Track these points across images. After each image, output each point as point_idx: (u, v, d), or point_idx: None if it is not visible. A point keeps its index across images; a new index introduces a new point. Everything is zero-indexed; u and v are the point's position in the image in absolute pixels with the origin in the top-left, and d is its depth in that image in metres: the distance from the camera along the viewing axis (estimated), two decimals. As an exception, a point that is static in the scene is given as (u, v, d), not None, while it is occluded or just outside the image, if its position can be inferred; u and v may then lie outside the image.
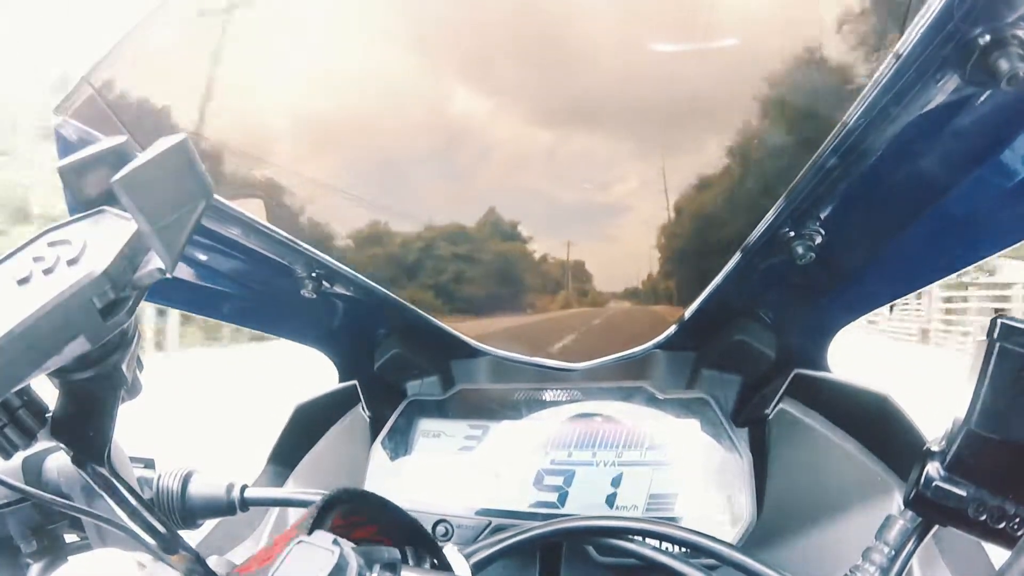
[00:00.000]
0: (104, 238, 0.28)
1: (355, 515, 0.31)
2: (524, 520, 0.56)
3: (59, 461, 0.41)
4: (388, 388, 0.73)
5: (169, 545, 0.36)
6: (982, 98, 0.38)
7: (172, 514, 0.48)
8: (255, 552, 0.25)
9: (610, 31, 0.45)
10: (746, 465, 0.55)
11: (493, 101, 0.49)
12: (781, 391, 0.59)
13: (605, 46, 0.46)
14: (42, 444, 0.41)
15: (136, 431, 0.48)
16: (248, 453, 0.84)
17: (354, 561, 0.21)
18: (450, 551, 0.36)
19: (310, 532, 0.23)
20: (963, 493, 0.32)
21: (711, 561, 0.45)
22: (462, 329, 0.57)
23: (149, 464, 0.49)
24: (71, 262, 0.27)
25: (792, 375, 0.59)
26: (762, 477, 0.58)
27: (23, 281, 0.27)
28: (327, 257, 0.55)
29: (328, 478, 0.72)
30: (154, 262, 0.29)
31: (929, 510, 0.33)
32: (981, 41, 0.33)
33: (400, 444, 0.68)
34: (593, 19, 0.46)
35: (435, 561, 0.36)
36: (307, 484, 0.73)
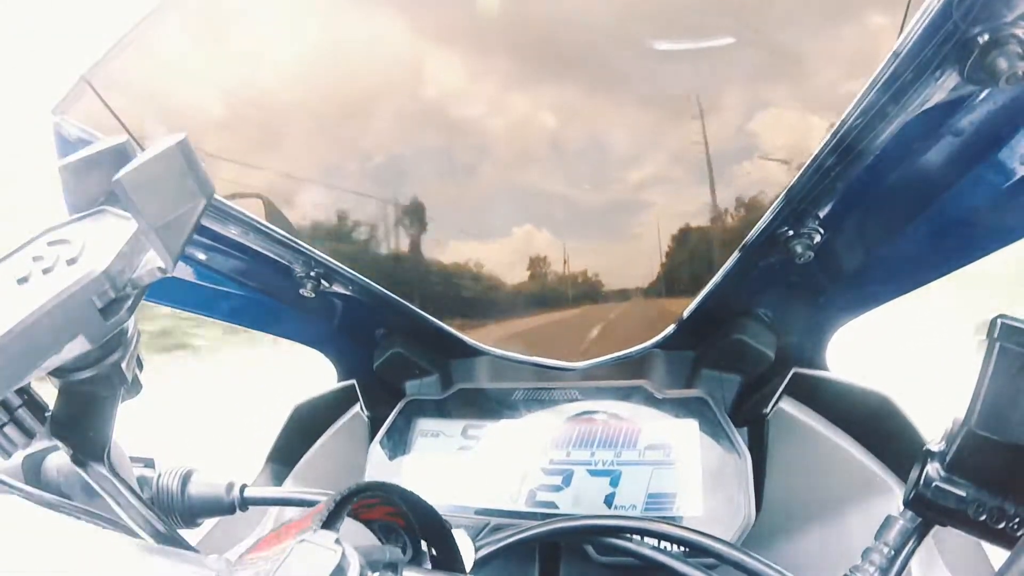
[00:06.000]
0: (104, 237, 0.28)
1: (370, 499, 0.31)
2: (523, 520, 0.56)
3: (59, 460, 0.41)
4: (387, 388, 0.73)
5: (169, 544, 0.36)
6: (980, 97, 0.38)
7: (172, 513, 0.48)
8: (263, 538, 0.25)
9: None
10: (745, 464, 0.55)
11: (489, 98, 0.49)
12: (780, 390, 0.59)
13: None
14: (42, 443, 0.41)
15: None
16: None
17: (356, 561, 0.21)
18: (458, 534, 0.37)
19: (323, 526, 0.23)
20: (963, 493, 0.32)
21: (710, 560, 0.45)
22: (461, 329, 0.56)
23: (149, 463, 0.49)
24: (71, 261, 0.27)
25: (791, 374, 0.59)
26: (761, 477, 0.58)
27: (23, 280, 0.27)
28: (326, 256, 0.55)
29: (327, 477, 0.72)
30: (154, 261, 0.29)
31: (929, 510, 0.33)
32: (980, 40, 0.33)
33: (398, 444, 0.68)
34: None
35: (437, 553, 0.36)
36: (306, 483, 0.73)
